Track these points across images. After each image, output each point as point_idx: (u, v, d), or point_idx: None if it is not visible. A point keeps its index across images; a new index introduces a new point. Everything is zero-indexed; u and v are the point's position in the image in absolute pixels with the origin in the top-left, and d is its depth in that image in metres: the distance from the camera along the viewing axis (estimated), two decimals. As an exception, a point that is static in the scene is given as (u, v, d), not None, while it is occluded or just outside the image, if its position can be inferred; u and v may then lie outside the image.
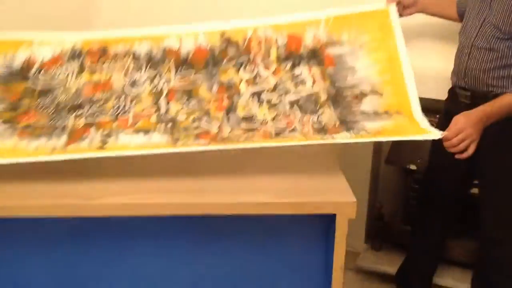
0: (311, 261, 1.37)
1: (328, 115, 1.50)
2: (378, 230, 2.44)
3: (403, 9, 1.81)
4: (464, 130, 1.44)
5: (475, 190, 1.87)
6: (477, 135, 1.45)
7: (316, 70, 1.64)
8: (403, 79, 1.55)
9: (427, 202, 2.00)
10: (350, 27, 1.69)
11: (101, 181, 1.38)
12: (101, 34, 1.74)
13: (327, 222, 1.32)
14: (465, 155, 1.45)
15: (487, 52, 1.63)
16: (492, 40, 1.61)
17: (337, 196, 1.32)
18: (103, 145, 1.40)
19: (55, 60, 1.66)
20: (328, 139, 1.39)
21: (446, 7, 1.88)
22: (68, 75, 1.63)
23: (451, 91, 1.84)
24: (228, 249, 1.37)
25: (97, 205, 1.28)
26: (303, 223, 1.35)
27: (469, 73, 1.70)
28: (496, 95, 1.60)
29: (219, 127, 1.45)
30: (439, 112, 1.90)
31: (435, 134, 1.38)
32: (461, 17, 1.81)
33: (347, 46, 1.67)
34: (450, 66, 1.84)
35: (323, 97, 1.56)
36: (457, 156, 1.46)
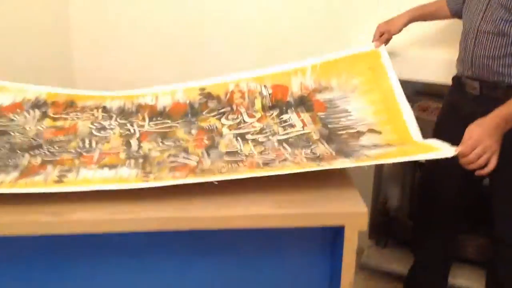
0: (314, 278, 1.14)
1: (323, 149, 1.32)
2: (383, 226, 2.19)
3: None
4: (481, 142, 1.22)
5: (487, 181, 1.60)
6: (497, 146, 1.24)
7: (305, 115, 1.49)
8: (402, 118, 1.40)
9: (429, 202, 1.73)
10: (339, 72, 1.58)
11: (72, 194, 1.14)
12: (69, 91, 1.60)
13: (333, 233, 1.11)
14: (486, 170, 1.23)
15: (495, 37, 1.45)
16: (500, 24, 1.43)
17: (345, 205, 1.12)
18: (61, 179, 1.17)
19: (15, 106, 1.49)
20: (325, 166, 1.19)
21: (438, 10, 1.73)
22: (28, 120, 1.45)
23: (457, 81, 1.63)
24: (220, 265, 1.15)
25: (67, 222, 1.07)
26: (305, 235, 1.15)
27: (476, 62, 1.50)
28: (508, 86, 1.42)
29: (198, 161, 1.25)
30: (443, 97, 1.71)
31: (448, 151, 1.19)
32: (456, 14, 1.67)
33: (337, 92, 1.55)
34: (455, 50, 1.64)
35: (315, 136, 1.39)
36: (477, 173, 1.24)
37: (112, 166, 1.22)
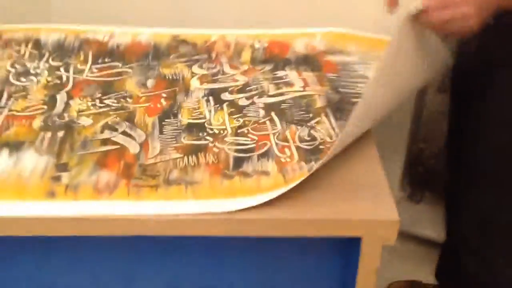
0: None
1: (327, 127, 0.91)
2: (420, 177, 1.78)
3: None
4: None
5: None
6: (477, 9, 0.82)
7: (309, 74, 1.07)
8: None
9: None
10: (359, 42, 1.18)
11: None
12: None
13: (346, 246, 0.80)
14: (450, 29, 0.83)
15: None
16: None
17: (364, 206, 0.76)
18: None
19: None
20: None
21: None
22: None
23: None
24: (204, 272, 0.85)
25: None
26: (308, 247, 0.83)
27: None
28: None
29: (143, 144, 0.85)
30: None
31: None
32: None
33: (356, 57, 1.13)
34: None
35: (319, 102, 0.98)
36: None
37: (16, 147, 0.83)
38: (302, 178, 0.75)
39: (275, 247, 0.83)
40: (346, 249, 0.82)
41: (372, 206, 0.76)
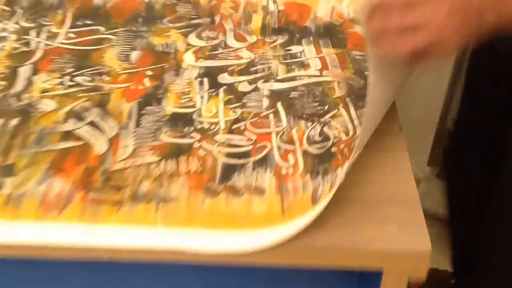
0: None
1: (345, 120, 0.73)
2: (451, 153, 1.66)
3: None
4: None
5: None
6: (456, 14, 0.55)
7: (330, 51, 0.88)
8: None
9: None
10: None
11: None
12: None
13: (364, 278, 0.67)
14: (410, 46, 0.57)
15: None
16: None
17: (390, 232, 0.59)
18: None
19: None
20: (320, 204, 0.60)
21: None
22: None
23: None
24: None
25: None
26: (317, 276, 0.69)
27: None
28: None
29: (113, 140, 0.69)
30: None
31: None
32: None
33: None
34: None
35: (338, 91, 0.79)
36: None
37: None
38: (304, 223, 0.58)
39: (278, 275, 0.69)
40: (364, 281, 0.67)
41: (397, 231, 0.59)
